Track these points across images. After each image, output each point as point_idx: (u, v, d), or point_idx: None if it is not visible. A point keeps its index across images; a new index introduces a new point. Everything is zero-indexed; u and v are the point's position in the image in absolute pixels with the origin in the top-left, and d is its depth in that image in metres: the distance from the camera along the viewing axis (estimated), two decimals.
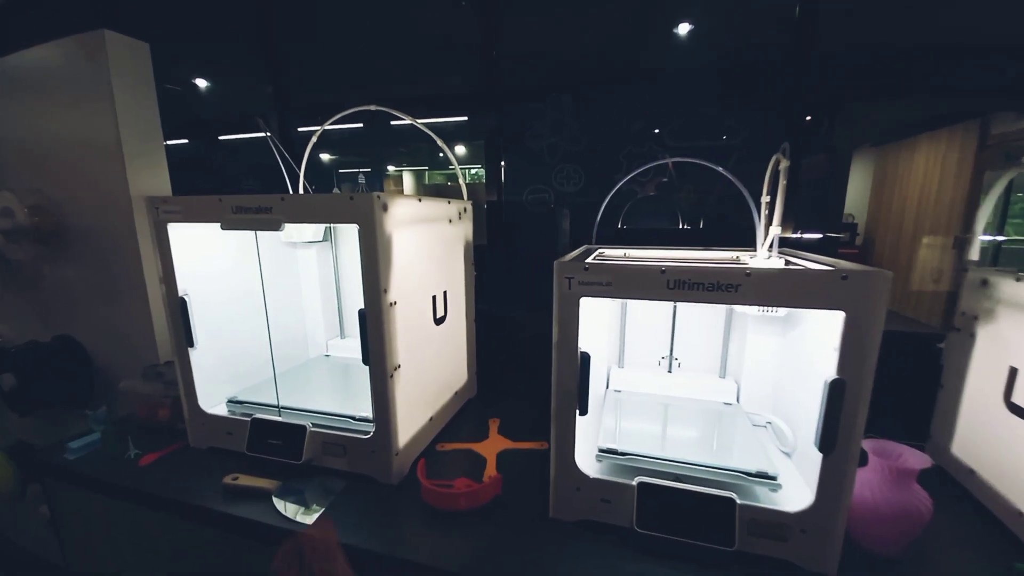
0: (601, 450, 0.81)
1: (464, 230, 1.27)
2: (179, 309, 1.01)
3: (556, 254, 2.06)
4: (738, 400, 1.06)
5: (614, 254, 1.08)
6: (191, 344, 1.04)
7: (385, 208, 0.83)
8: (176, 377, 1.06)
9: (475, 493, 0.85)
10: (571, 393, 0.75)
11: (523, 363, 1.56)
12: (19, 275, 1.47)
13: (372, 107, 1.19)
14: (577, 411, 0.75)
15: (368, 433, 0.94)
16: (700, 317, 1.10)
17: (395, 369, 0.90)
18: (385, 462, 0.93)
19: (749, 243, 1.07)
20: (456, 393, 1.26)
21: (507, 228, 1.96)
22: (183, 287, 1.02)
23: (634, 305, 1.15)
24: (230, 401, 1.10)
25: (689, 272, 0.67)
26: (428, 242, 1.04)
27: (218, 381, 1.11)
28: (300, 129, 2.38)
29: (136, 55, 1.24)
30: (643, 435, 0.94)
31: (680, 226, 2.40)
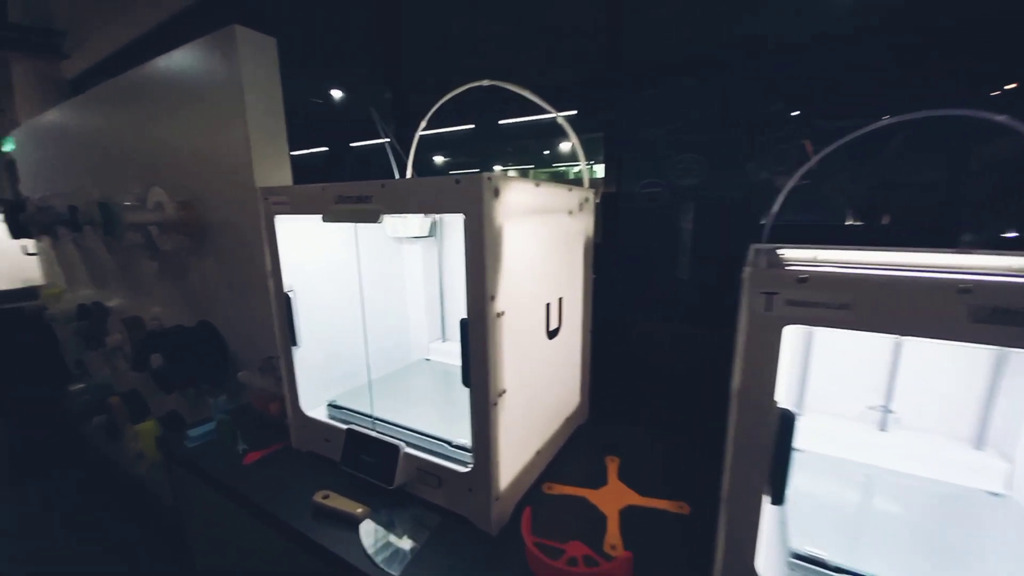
0: (796, 556, 0.54)
1: (585, 224, 1.06)
2: (284, 306, 0.97)
3: (677, 255, 1.73)
4: (1011, 487, 0.68)
5: (800, 256, 0.78)
6: (295, 343, 1.00)
7: (496, 193, 0.66)
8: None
9: None
10: (759, 469, 0.50)
11: (638, 379, 1.30)
12: (170, 264, 1.64)
13: (485, 83, 1.05)
14: (768, 499, 0.50)
15: (467, 465, 0.78)
16: (937, 350, 0.74)
17: (500, 395, 0.73)
18: (484, 506, 0.76)
19: (938, 243, 0.76)
20: (567, 419, 1.06)
21: (624, 224, 1.71)
22: (289, 283, 0.98)
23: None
24: (330, 405, 1.05)
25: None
26: (544, 237, 0.85)
27: (320, 382, 1.06)
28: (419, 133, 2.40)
29: (264, 50, 1.25)
30: (851, 530, 0.63)
31: (846, 222, 1.89)
